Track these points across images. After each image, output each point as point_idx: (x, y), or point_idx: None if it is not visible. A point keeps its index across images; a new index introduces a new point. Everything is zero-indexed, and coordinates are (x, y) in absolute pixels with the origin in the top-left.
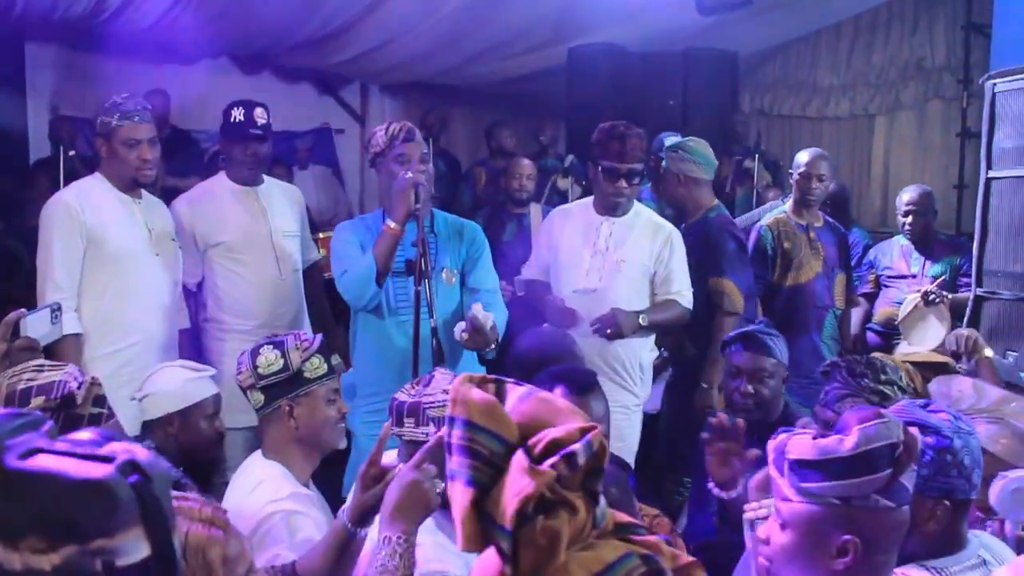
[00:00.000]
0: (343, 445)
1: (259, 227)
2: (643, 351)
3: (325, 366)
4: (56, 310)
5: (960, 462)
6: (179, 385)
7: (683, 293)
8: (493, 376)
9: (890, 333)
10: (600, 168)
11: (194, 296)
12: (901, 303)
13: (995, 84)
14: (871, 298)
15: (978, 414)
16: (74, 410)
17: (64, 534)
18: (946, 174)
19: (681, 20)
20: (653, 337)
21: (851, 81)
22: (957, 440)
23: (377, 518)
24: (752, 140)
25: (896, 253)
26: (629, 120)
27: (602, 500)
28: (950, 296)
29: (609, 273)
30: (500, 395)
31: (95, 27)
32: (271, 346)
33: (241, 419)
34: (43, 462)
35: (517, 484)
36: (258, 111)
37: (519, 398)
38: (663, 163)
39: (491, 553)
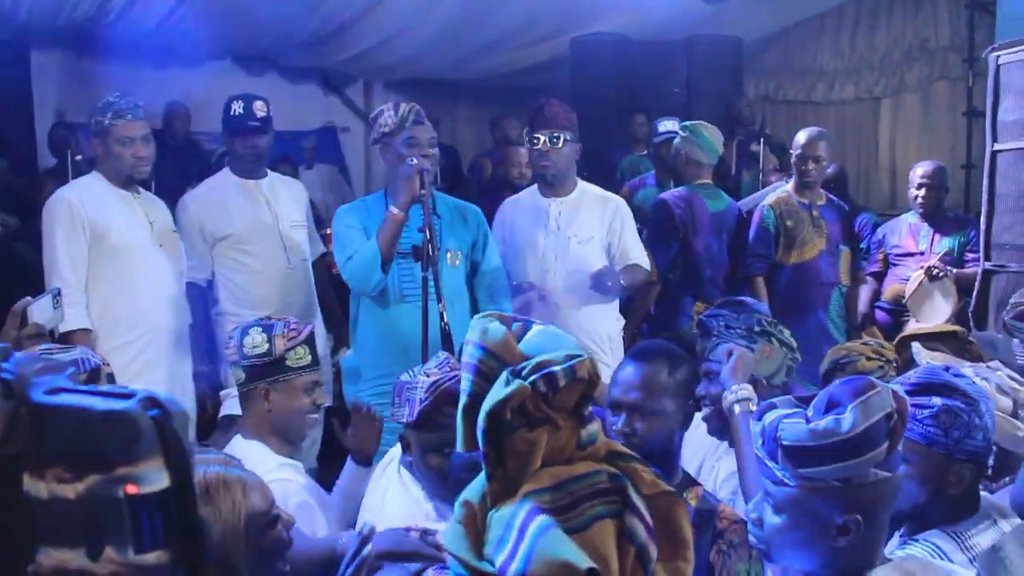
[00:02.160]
0: (313, 436)
1: (265, 218)
2: (609, 321)
3: (309, 357)
4: (56, 295)
5: (985, 425)
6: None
7: (641, 257)
8: (515, 316)
9: (899, 311)
10: (527, 142)
11: (205, 292)
12: (908, 281)
13: (999, 56)
14: (880, 277)
15: None
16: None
17: (88, 464)
18: (953, 155)
19: (683, 7)
20: (617, 307)
21: (855, 64)
22: (982, 403)
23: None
24: (757, 124)
25: (904, 231)
26: (634, 108)
27: (593, 426)
28: (954, 271)
29: (564, 252)
30: (522, 332)
31: (99, 32)
32: (260, 328)
33: None
34: (67, 398)
35: (494, 393)
36: (257, 103)
37: (535, 332)
38: (674, 141)
39: None
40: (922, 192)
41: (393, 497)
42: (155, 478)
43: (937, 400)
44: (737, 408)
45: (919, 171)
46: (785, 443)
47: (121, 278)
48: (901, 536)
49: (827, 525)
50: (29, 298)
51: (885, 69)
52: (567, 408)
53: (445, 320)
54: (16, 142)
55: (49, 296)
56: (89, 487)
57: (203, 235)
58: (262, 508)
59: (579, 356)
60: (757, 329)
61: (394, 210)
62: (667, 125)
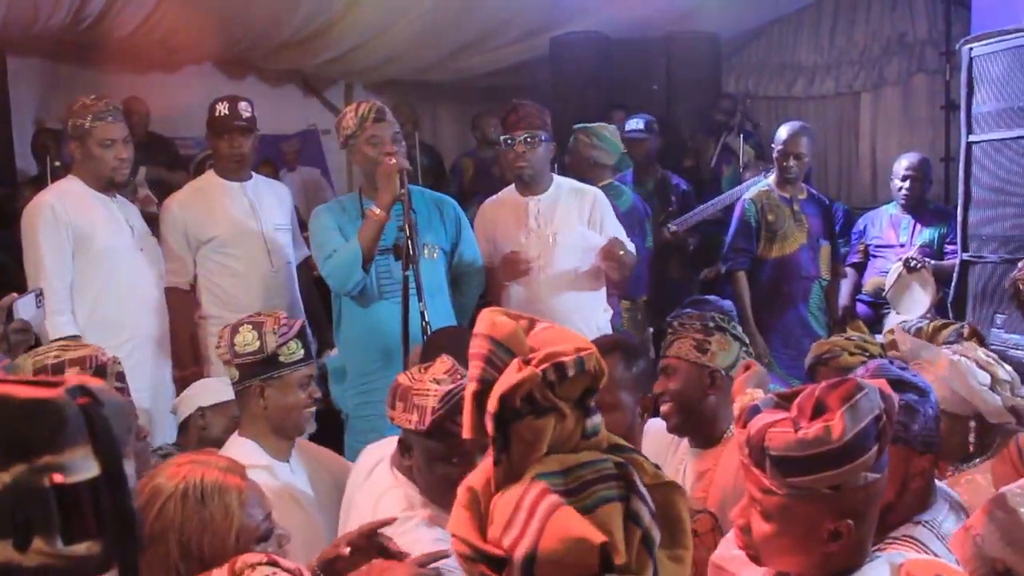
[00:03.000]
0: (311, 430)
1: (249, 221)
2: (597, 312)
3: (302, 351)
4: (39, 295)
5: (936, 415)
6: (208, 386)
7: (627, 243)
8: (520, 313)
9: (879, 303)
10: (503, 142)
11: (187, 296)
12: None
13: (971, 49)
14: (860, 268)
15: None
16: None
17: (12, 453)
18: (932, 148)
19: (661, 5)
20: (604, 298)
21: (835, 59)
22: (932, 394)
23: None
24: (736, 120)
25: (885, 222)
26: (614, 106)
27: (597, 418)
28: (932, 262)
29: (546, 248)
30: (529, 327)
31: (76, 38)
32: (250, 326)
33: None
34: None
35: (505, 378)
36: (242, 104)
37: (540, 328)
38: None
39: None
40: (907, 184)
41: (389, 500)
42: (83, 467)
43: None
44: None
45: (904, 163)
46: (773, 453)
47: (105, 284)
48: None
49: (818, 531)
50: (15, 294)
51: (864, 63)
52: (573, 399)
53: (426, 319)
54: None
55: (32, 296)
56: (15, 477)
57: (187, 238)
58: (255, 520)
59: (588, 349)
60: (711, 324)
61: (376, 210)
62: (632, 124)
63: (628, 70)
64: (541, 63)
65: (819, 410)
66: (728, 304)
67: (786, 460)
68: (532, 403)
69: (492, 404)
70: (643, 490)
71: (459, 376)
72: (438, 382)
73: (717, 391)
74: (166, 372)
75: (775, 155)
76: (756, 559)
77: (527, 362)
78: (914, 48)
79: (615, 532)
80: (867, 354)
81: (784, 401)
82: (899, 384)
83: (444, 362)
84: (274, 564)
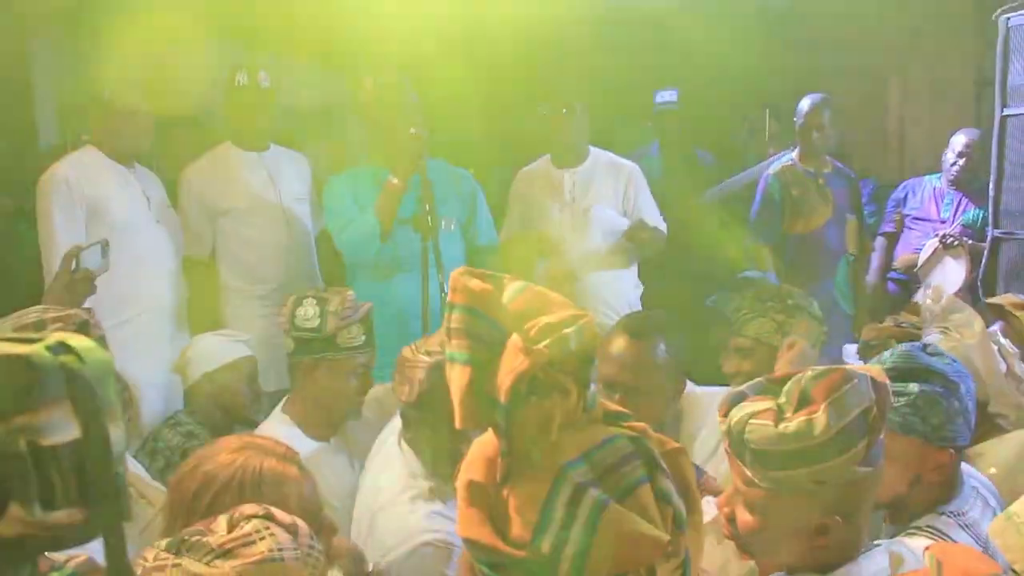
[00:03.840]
0: (357, 419)
1: (267, 192)
2: (629, 287)
3: (363, 338)
4: (105, 245)
5: (965, 408)
6: (213, 348)
7: (659, 221)
8: (490, 272)
9: (910, 280)
10: (540, 112)
11: (205, 267)
12: (921, 250)
13: (1009, 19)
14: (894, 239)
15: (932, 324)
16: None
17: None
18: (962, 122)
19: None
20: (636, 274)
21: (864, 33)
22: (962, 386)
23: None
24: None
25: (927, 195)
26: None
27: (592, 387)
28: (970, 242)
29: (580, 223)
30: (498, 288)
31: (95, 12)
32: (314, 300)
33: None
34: None
35: (512, 362)
36: (261, 73)
37: (515, 290)
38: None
39: (488, 435)
40: (962, 161)
41: (393, 473)
42: (62, 428)
43: (914, 387)
44: None
45: (962, 139)
46: (753, 446)
47: (121, 255)
48: (887, 524)
49: (803, 526)
50: (81, 243)
51: (893, 39)
52: (572, 372)
53: (445, 291)
54: (15, 125)
55: (98, 246)
56: None
57: (204, 209)
58: (311, 510)
59: (583, 317)
60: (790, 303)
61: (393, 180)
62: (663, 95)
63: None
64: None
65: (803, 401)
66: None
67: (767, 454)
68: (535, 383)
69: (504, 394)
70: (663, 464)
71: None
72: (429, 354)
73: None
74: (185, 343)
75: (797, 128)
76: (743, 550)
77: (525, 337)
78: (945, 21)
79: (655, 517)
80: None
81: (774, 385)
82: (925, 373)
83: (441, 340)
84: (269, 517)
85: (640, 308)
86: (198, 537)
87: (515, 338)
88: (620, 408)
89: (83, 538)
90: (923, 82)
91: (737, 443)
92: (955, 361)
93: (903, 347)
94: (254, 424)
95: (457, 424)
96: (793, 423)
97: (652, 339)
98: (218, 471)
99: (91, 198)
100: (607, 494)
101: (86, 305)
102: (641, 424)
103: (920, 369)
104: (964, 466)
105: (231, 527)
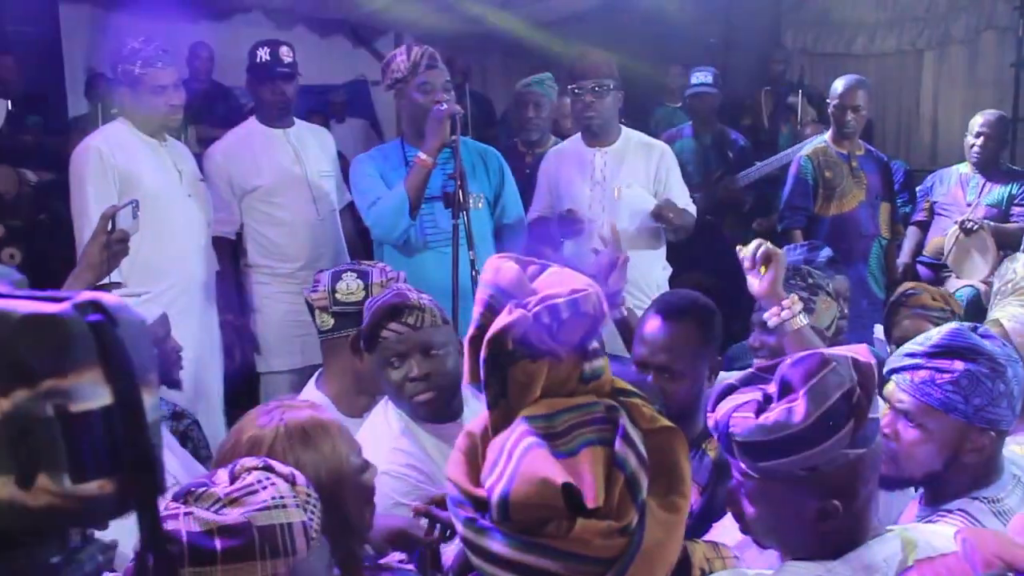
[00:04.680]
0: None
1: (294, 168)
2: (656, 269)
3: None
4: (136, 205)
5: (1011, 392)
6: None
7: (688, 204)
8: (527, 258)
9: (940, 265)
10: (571, 92)
11: (234, 245)
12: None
13: None
14: (925, 227)
15: (1013, 294)
16: None
17: (12, 376)
18: (1000, 108)
19: None
20: (664, 255)
21: (898, 16)
22: (1010, 369)
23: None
24: (796, 76)
25: (954, 181)
26: (669, 59)
27: (598, 362)
28: (993, 224)
29: (610, 203)
30: (539, 273)
31: None
32: (355, 274)
33: (284, 361)
34: None
35: (497, 321)
36: (283, 49)
37: (549, 272)
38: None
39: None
40: (980, 141)
41: (375, 431)
42: (92, 394)
43: (959, 364)
44: (796, 323)
45: (979, 119)
46: (738, 439)
47: (151, 228)
48: (922, 504)
49: (803, 512)
50: (117, 203)
51: (929, 20)
52: (570, 342)
53: (476, 268)
54: (47, 97)
55: (129, 206)
56: (15, 404)
57: (231, 187)
58: (355, 449)
59: (583, 291)
60: (812, 281)
61: (422, 155)
62: (699, 76)
63: (685, 22)
64: (595, 15)
65: (784, 389)
66: (828, 252)
67: (752, 445)
68: (527, 346)
69: (483, 348)
70: (632, 434)
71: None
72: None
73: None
74: (213, 317)
75: (831, 109)
76: (757, 542)
77: (522, 305)
78: (984, 3)
79: (592, 476)
80: (948, 307)
81: (763, 374)
82: (968, 352)
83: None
84: (269, 469)
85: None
86: (204, 488)
87: (510, 304)
88: (631, 387)
89: (115, 512)
90: (959, 64)
91: (724, 436)
92: (1007, 345)
93: (951, 325)
94: (175, 383)
95: (465, 379)
96: (773, 413)
97: (686, 321)
98: (263, 433)
99: (123, 170)
100: (556, 448)
101: (117, 279)
102: (637, 400)
103: (966, 348)
104: (1008, 452)
105: (233, 479)
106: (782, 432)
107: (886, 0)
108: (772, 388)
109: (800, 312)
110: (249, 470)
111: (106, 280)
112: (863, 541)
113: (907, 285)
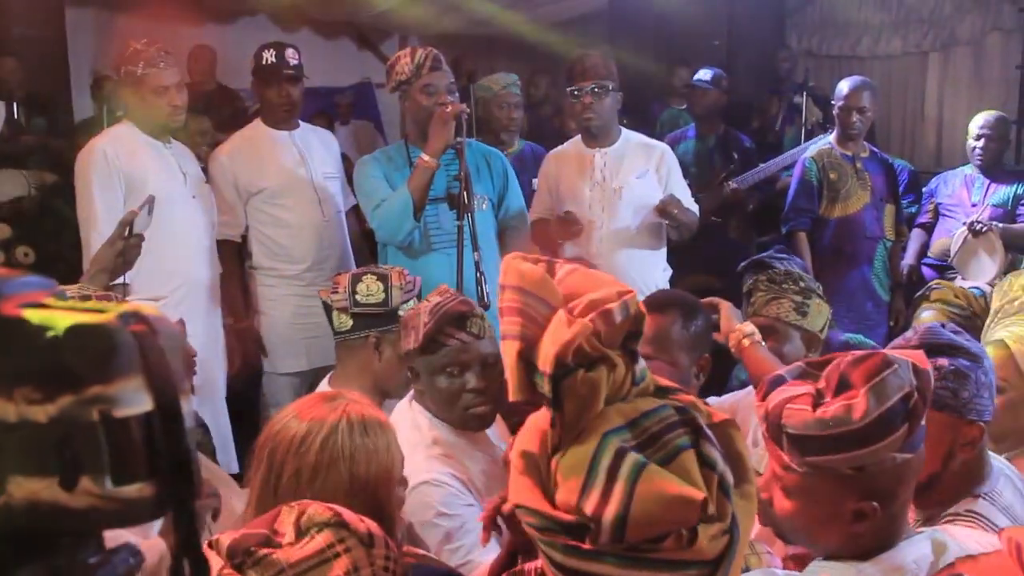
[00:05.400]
0: (404, 395)
1: (299, 171)
2: (656, 271)
3: None
4: (151, 203)
5: (990, 382)
6: None
7: (690, 203)
8: (543, 256)
9: (946, 266)
10: (570, 94)
11: (239, 248)
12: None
13: None
14: (930, 228)
15: (1019, 313)
16: None
17: (59, 382)
18: (1004, 110)
19: None
20: (664, 257)
21: (903, 18)
22: (985, 360)
23: None
24: (800, 78)
25: (958, 182)
26: (673, 61)
27: (642, 361)
28: (1001, 225)
29: (610, 203)
30: (550, 271)
31: None
32: (375, 276)
33: (290, 364)
34: (38, 312)
35: (557, 334)
36: (289, 51)
37: (566, 272)
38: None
39: (543, 410)
40: (981, 143)
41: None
42: (134, 400)
43: (944, 361)
44: (747, 342)
45: (979, 121)
46: (790, 431)
47: (157, 230)
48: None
49: (840, 511)
50: (135, 209)
51: (934, 22)
52: (617, 345)
53: (480, 269)
54: (53, 100)
55: (146, 206)
56: (61, 409)
57: (236, 190)
58: (402, 459)
59: (628, 292)
60: (804, 285)
61: (425, 157)
62: (700, 74)
63: (689, 25)
64: (599, 17)
65: (843, 386)
66: (800, 261)
67: (804, 439)
68: (582, 356)
69: (548, 364)
70: (710, 433)
71: (450, 295)
72: (429, 300)
73: (814, 353)
74: (217, 321)
75: (836, 111)
76: (781, 536)
77: (571, 312)
78: (990, 5)
79: (698, 482)
80: (968, 305)
81: (813, 370)
82: (950, 349)
83: (440, 290)
84: (342, 524)
85: None
86: (265, 551)
87: (560, 313)
88: (671, 383)
89: (153, 514)
90: (964, 66)
91: (774, 428)
92: (972, 339)
93: (926, 325)
94: (192, 389)
95: (509, 397)
96: (832, 408)
97: (670, 313)
98: (325, 415)
99: (128, 172)
100: (652, 459)
101: (125, 281)
102: (690, 396)
103: (946, 344)
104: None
105: (299, 533)
106: (839, 428)
107: (891, 2)
108: (822, 384)
109: (751, 334)
110: (320, 526)
111: (119, 281)
112: (895, 544)
113: (934, 281)
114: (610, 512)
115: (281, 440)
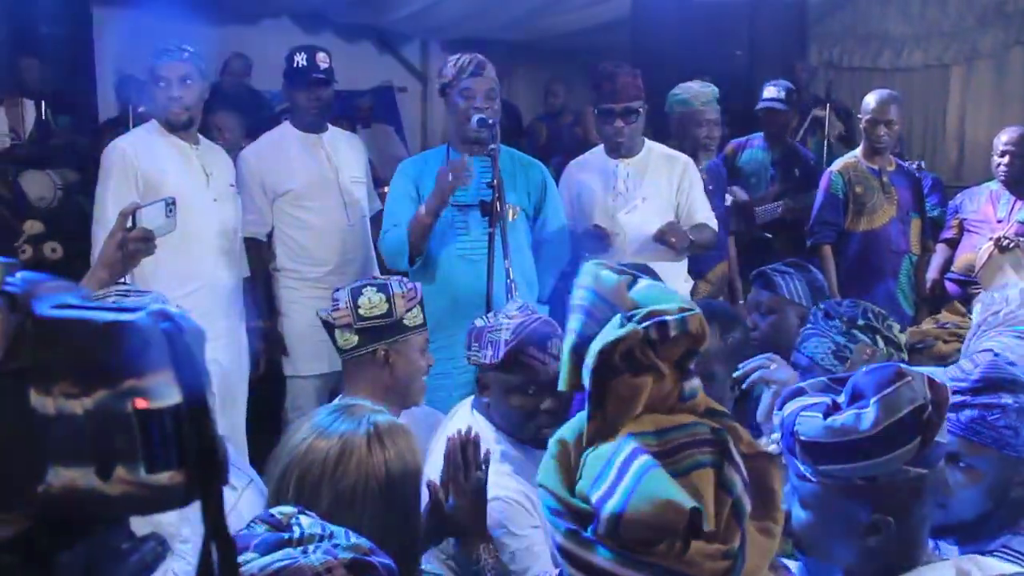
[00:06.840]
0: (422, 402)
1: (326, 174)
2: (678, 283)
3: (421, 316)
4: (171, 204)
5: None
6: None
7: (709, 218)
8: (631, 271)
9: (970, 281)
10: (597, 111)
11: (264, 247)
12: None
13: None
14: (954, 244)
15: (1003, 324)
16: None
17: (95, 377)
18: None
19: None
20: (686, 268)
21: (925, 31)
22: None
23: None
24: (822, 91)
25: (984, 198)
26: (695, 71)
27: (695, 382)
28: None
29: (631, 213)
30: (627, 281)
31: None
32: (375, 288)
33: (312, 366)
34: (74, 312)
35: (607, 333)
36: (320, 55)
37: (645, 284)
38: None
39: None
40: (1006, 160)
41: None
42: (165, 393)
43: (1008, 399)
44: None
45: (1003, 137)
46: (802, 438)
47: (176, 231)
48: (959, 545)
49: (854, 524)
50: (139, 201)
51: (957, 35)
52: (672, 359)
53: (511, 277)
54: (78, 99)
55: (162, 203)
56: (97, 402)
57: (263, 190)
58: (423, 452)
59: (692, 310)
60: (861, 323)
61: (422, 211)
62: (770, 91)
63: (710, 35)
64: (620, 26)
65: (855, 396)
66: (817, 273)
67: (815, 446)
68: (631, 360)
69: (591, 359)
70: (737, 458)
71: (530, 311)
72: (510, 317)
73: None
74: (239, 322)
75: (863, 125)
76: (799, 548)
77: (629, 318)
78: (1013, 18)
79: (706, 499)
80: (961, 340)
81: (835, 384)
82: (1012, 384)
83: (515, 302)
84: (369, 568)
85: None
86: None
87: (618, 316)
88: (722, 407)
89: (183, 501)
90: (986, 79)
91: (788, 435)
92: None
93: (987, 357)
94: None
95: (560, 385)
96: (841, 416)
97: (709, 326)
98: (352, 431)
99: (147, 172)
100: (667, 468)
101: (125, 281)
102: (735, 424)
103: (1009, 380)
104: None
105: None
106: (847, 436)
107: (913, 14)
108: (843, 398)
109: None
110: (344, 567)
111: (121, 280)
112: (914, 566)
113: (915, 335)
114: (610, 505)
115: (312, 463)
